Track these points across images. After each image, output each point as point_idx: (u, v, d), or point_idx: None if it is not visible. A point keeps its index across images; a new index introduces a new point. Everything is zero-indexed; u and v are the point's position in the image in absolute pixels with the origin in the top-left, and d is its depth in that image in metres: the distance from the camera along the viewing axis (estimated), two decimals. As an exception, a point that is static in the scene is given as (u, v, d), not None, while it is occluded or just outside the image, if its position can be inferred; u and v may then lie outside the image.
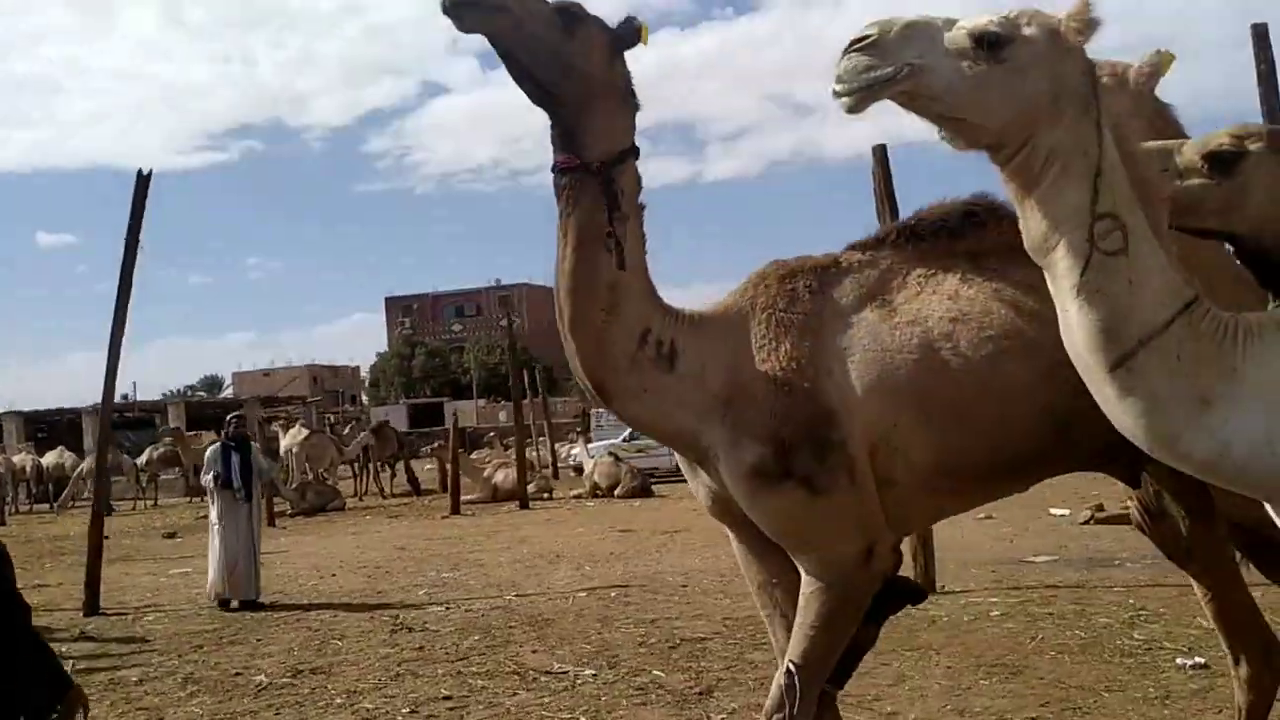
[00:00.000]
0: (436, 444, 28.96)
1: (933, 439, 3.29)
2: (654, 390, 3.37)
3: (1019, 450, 3.39)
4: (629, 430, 28.19)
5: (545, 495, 23.15)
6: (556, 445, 31.62)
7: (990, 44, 2.41)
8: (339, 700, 6.71)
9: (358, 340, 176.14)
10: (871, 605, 3.39)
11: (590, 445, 26.09)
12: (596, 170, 3.30)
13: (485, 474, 23.34)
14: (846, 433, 3.23)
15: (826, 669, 3.37)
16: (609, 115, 3.39)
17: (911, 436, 3.27)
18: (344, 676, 7.33)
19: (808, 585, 3.28)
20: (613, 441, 27.07)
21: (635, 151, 3.40)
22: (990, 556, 10.85)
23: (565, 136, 3.35)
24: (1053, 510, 14.51)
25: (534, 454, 28.08)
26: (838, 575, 3.25)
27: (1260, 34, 9.27)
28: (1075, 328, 2.47)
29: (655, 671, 6.92)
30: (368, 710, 6.44)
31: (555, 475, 27.02)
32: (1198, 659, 6.33)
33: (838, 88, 2.39)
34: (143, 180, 11.27)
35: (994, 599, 8.74)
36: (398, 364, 78.77)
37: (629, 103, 3.45)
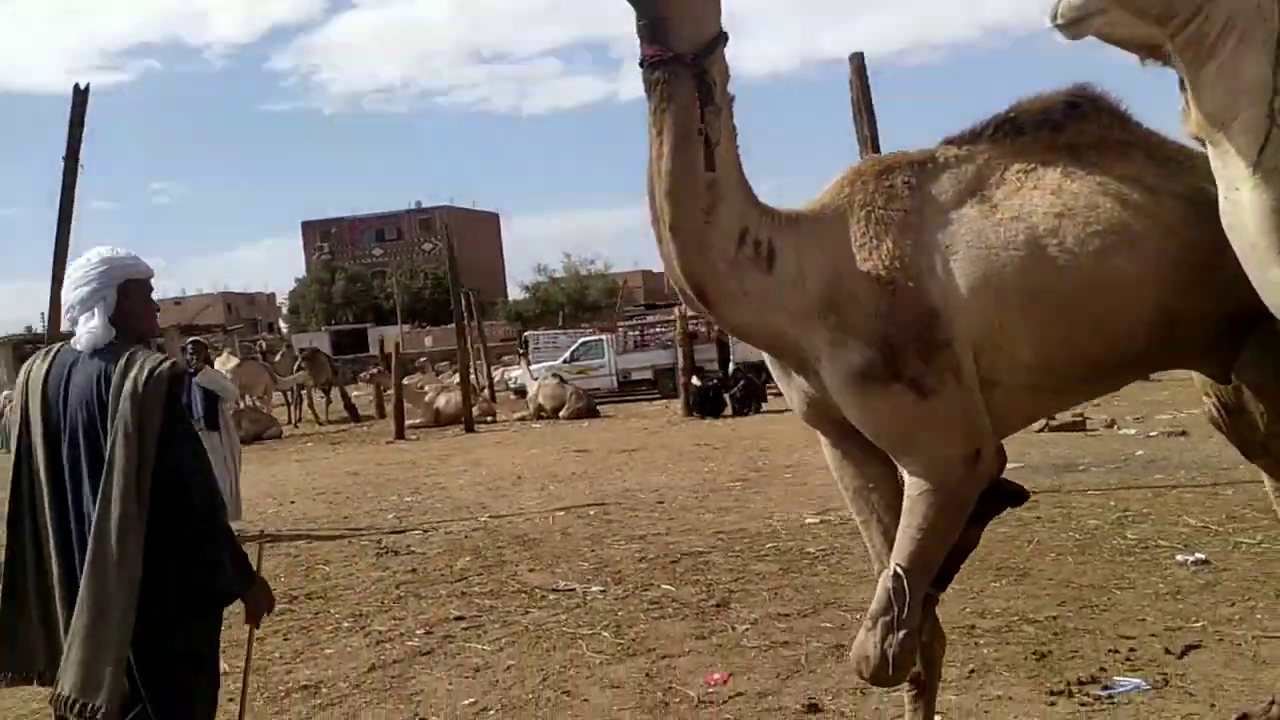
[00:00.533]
0: (375, 369, 28.53)
1: (1038, 337, 3.23)
2: (754, 293, 3.25)
3: (1122, 348, 3.35)
4: (569, 351, 28.20)
5: (489, 419, 23.02)
6: (492, 369, 31.40)
7: None
8: (346, 624, 6.58)
9: (271, 266, 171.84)
10: (974, 507, 3.36)
11: (532, 367, 25.91)
12: (690, 61, 3.11)
13: (427, 398, 23.09)
14: (952, 333, 3.15)
15: (932, 572, 3.33)
16: (695, 1, 3.18)
17: (1016, 335, 3.21)
18: (343, 601, 7.20)
19: (914, 488, 3.23)
20: (553, 364, 26.97)
21: (725, 37, 3.21)
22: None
23: (653, 26, 3.14)
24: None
25: (472, 378, 27.87)
26: (944, 478, 3.20)
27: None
28: (1247, 207, 2.41)
29: (664, 586, 6.91)
30: (380, 632, 6.33)
31: (493, 399, 26.87)
32: (1198, 554, 6.51)
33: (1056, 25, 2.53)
34: (80, 95, 10.61)
35: (977, 505, 8.89)
36: (318, 290, 77.15)
37: None
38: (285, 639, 6.32)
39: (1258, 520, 7.20)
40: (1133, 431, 13.11)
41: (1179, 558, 6.56)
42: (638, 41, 3.19)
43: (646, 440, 17.19)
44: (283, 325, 79.10)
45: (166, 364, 3.13)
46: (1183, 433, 12.37)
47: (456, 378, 24.46)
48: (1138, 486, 9.23)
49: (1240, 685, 4.49)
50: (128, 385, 3.06)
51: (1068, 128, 3.36)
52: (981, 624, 5.61)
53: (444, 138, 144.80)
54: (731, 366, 22.98)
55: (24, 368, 3.29)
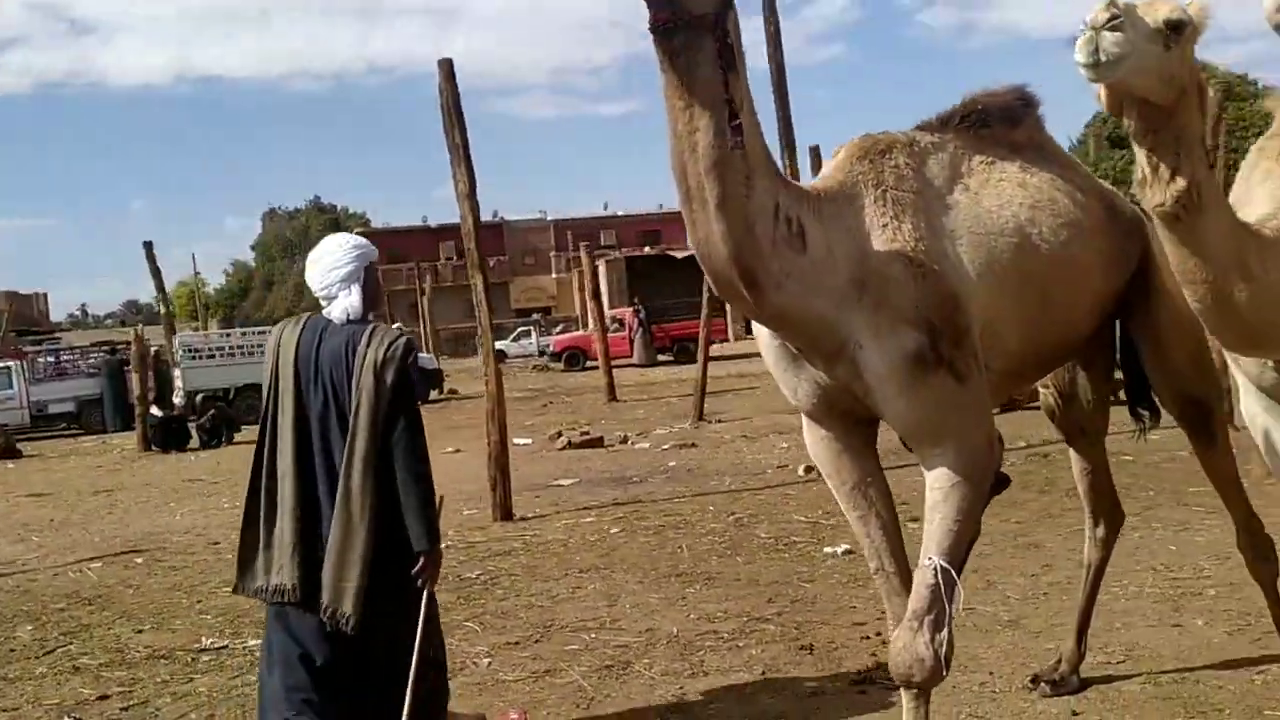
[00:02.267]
0: None
1: (1024, 323, 3.32)
2: (794, 274, 2.94)
3: (1073, 336, 3.57)
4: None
5: None
6: None
7: (1174, 29, 2.56)
8: None
9: None
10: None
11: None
12: (712, 23, 2.76)
13: None
14: (970, 317, 3.13)
15: (963, 563, 3.26)
16: None
17: (1009, 320, 3.27)
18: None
19: (944, 479, 3.12)
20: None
21: None
22: (524, 484, 10.90)
23: None
24: (517, 440, 15.09)
25: None
26: (973, 465, 3.14)
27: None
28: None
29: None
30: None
31: None
32: (842, 545, 7.08)
33: (1093, 64, 2.48)
34: None
35: (588, 519, 8.93)
36: None
37: None
38: None
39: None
40: (647, 445, 14.02)
41: (827, 549, 7.10)
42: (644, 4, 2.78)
43: (120, 479, 14.97)
44: None
45: (402, 339, 3.66)
46: (692, 444, 13.49)
47: None
48: (714, 492, 9.87)
49: (989, 655, 4.91)
50: (371, 354, 3.59)
51: (1022, 125, 3.52)
52: (721, 628, 5.61)
53: None
54: (181, 398, 20.97)
55: (274, 332, 3.82)
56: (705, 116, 2.77)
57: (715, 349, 32.80)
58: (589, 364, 32.58)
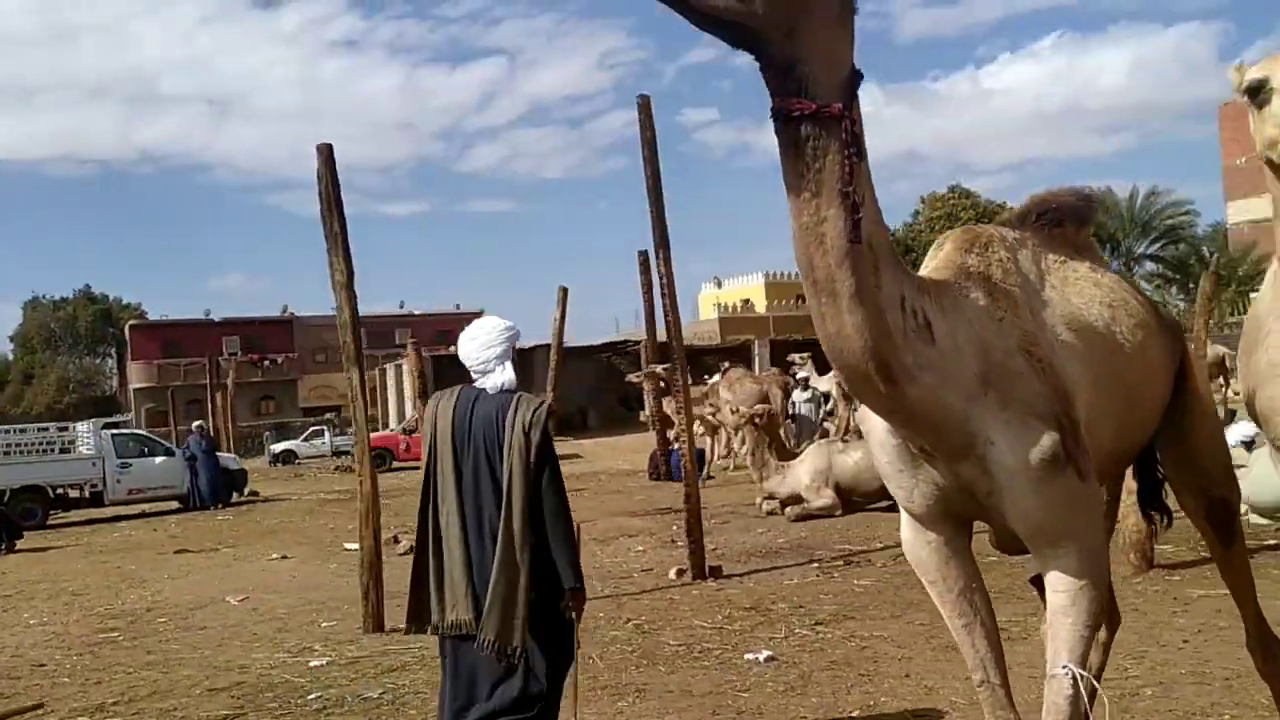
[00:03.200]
0: None
1: (1115, 421, 3.28)
2: (926, 367, 2.80)
3: (1146, 435, 3.56)
4: None
5: None
6: None
7: None
8: None
9: None
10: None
11: None
12: (839, 113, 2.60)
13: None
14: (1080, 415, 3.07)
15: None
16: (828, 32, 2.61)
17: (1104, 419, 3.22)
18: None
19: (1069, 583, 2.99)
20: None
21: (860, 76, 2.72)
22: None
23: (786, 73, 2.57)
24: (348, 545, 14.26)
25: None
26: (1096, 566, 3.03)
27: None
28: None
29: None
30: None
31: None
32: (764, 652, 6.90)
33: None
34: None
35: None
36: None
37: (847, 8, 2.68)
38: None
39: (744, 611, 7.93)
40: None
41: (748, 656, 6.89)
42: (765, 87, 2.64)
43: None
44: None
45: (543, 406, 4.20)
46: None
47: None
48: (593, 597, 9.44)
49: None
50: (519, 419, 4.12)
51: (1087, 225, 3.54)
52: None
53: None
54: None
55: (431, 400, 4.38)
56: (833, 208, 2.61)
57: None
58: (395, 464, 31.51)
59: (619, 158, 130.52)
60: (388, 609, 8.88)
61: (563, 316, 16.13)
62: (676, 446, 20.55)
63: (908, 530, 3.34)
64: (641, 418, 43.16)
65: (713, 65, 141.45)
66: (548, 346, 42.41)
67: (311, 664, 7.44)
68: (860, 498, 13.87)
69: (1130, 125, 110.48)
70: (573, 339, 39.74)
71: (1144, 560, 8.74)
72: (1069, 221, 3.53)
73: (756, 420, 14.81)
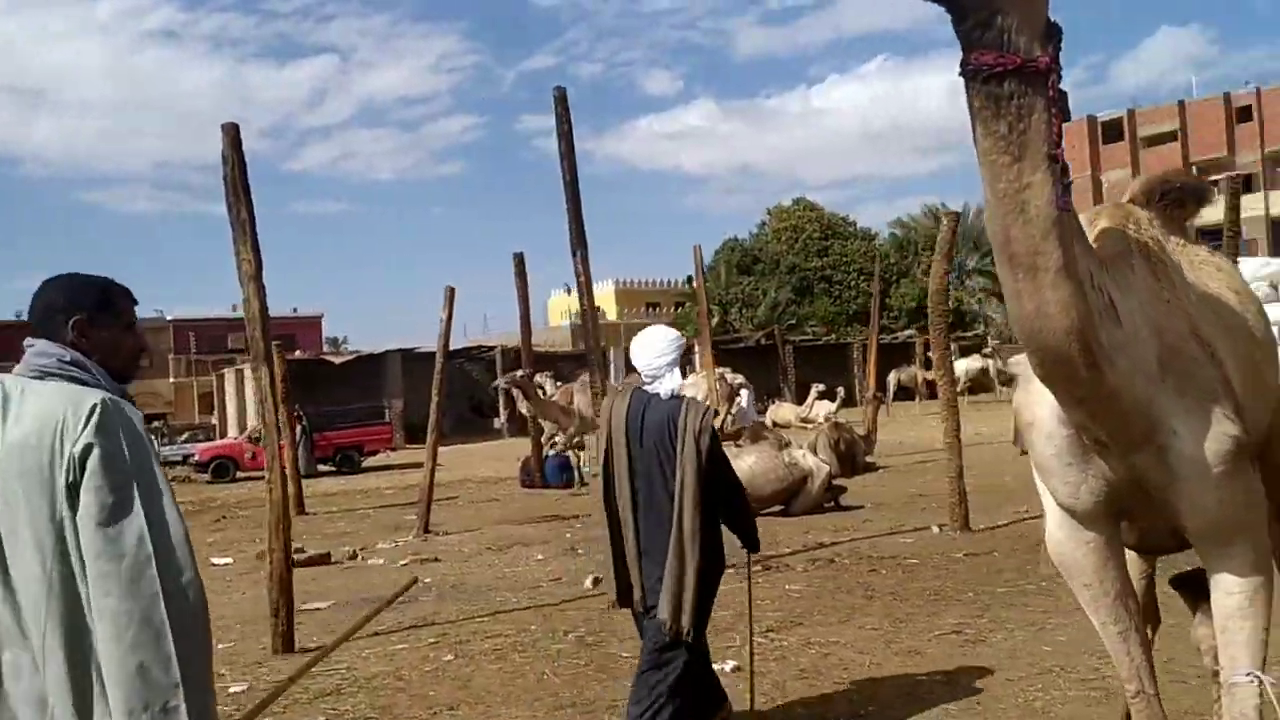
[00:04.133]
0: None
1: (1252, 412, 3.11)
2: (1119, 349, 2.58)
3: (1265, 430, 3.39)
4: None
5: None
6: None
7: None
8: None
9: None
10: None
11: None
12: (1045, 68, 2.39)
13: None
14: (1243, 403, 2.89)
15: None
16: None
17: (1246, 408, 3.05)
18: None
19: (1246, 585, 2.80)
20: None
21: (1060, 30, 2.54)
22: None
23: (986, 26, 2.35)
24: (215, 560, 13.35)
25: None
26: (1269, 564, 2.86)
27: (559, 97, 10.17)
28: None
29: None
30: None
31: None
32: (730, 663, 6.62)
33: None
34: None
35: (400, 647, 7.82)
36: None
37: None
38: None
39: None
40: (381, 561, 12.77)
41: (716, 667, 6.59)
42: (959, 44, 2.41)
43: None
44: None
45: (709, 411, 4.84)
46: (435, 559, 12.46)
47: None
48: (512, 609, 9.04)
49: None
50: (690, 423, 4.69)
51: (1204, 206, 3.39)
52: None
53: None
54: None
55: (605, 402, 5.09)
56: (1039, 173, 2.38)
57: (380, 458, 31.68)
58: (239, 474, 29.96)
59: (455, 162, 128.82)
60: (297, 628, 8.23)
61: (449, 318, 15.44)
62: (551, 452, 20.21)
63: (1061, 530, 3.09)
64: (496, 424, 42.92)
65: (551, 72, 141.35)
66: (399, 352, 41.67)
67: (231, 690, 6.75)
68: (755, 503, 13.76)
69: (951, 147, 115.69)
70: (421, 345, 38.88)
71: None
72: (1190, 202, 3.37)
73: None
